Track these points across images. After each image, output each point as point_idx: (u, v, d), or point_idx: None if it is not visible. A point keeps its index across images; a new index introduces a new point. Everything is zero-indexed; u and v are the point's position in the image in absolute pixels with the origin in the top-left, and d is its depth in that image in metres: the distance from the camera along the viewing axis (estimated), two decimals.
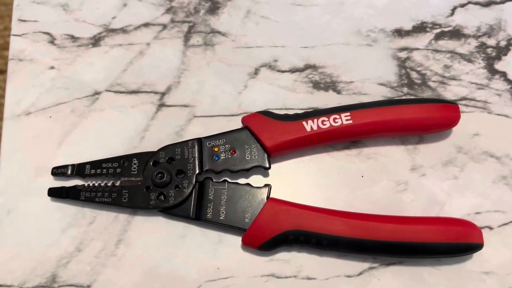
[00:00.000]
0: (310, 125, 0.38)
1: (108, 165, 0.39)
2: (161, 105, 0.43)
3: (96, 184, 0.39)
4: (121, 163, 0.39)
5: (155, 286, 0.38)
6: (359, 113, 0.39)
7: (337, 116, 0.39)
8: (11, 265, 0.38)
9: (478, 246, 0.36)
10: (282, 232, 0.36)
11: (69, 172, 0.39)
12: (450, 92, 0.44)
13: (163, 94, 0.43)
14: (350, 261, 0.38)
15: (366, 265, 0.38)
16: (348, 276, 0.38)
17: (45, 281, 0.38)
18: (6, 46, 1.10)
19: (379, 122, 0.39)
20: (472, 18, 0.47)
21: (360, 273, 0.38)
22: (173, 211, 0.38)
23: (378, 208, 0.39)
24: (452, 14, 0.47)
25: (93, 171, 0.39)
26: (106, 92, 0.43)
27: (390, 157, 0.41)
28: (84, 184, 0.39)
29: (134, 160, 0.39)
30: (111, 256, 0.38)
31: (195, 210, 0.38)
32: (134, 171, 0.39)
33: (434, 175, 0.41)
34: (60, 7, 0.46)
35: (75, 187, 0.39)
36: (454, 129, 0.42)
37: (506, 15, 0.47)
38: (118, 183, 0.39)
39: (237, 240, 0.38)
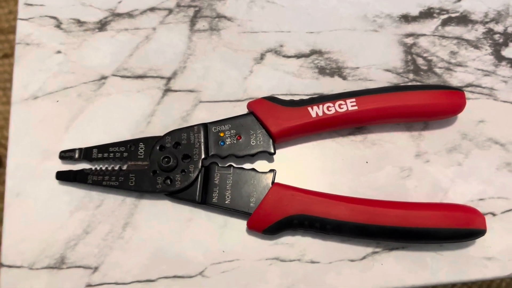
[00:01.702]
0: (315, 111, 0.38)
1: (115, 149, 0.39)
2: (167, 90, 0.43)
3: (103, 168, 0.39)
4: (128, 147, 0.39)
5: (161, 268, 0.38)
6: (364, 99, 0.39)
7: (343, 102, 0.39)
8: (21, 247, 0.38)
9: (480, 232, 0.37)
10: (286, 216, 0.37)
11: (76, 156, 0.39)
12: (456, 79, 0.44)
13: (169, 79, 0.43)
14: (354, 245, 0.39)
15: (369, 249, 0.39)
16: (352, 260, 0.38)
17: (54, 262, 0.38)
18: (11, 30, 1.10)
19: (384, 108, 0.39)
20: (479, 4, 0.46)
21: (363, 258, 0.38)
22: (179, 195, 0.38)
23: (382, 194, 0.40)
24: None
25: (100, 155, 0.39)
26: (112, 76, 0.43)
27: (395, 143, 0.41)
28: (91, 168, 0.39)
29: (141, 144, 0.39)
30: (118, 238, 0.39)
31: (201, 194, 0.38)
32: (141, 155, 0.39)
33: (438, 162, 0.41)
34: None
35: (82, 170, 0.39)
36: (459, 115, 0.42)
37: None
38: (125, 167, 0.39)
39: (242, 224, 0.39)
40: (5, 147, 1.04)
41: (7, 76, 1.07)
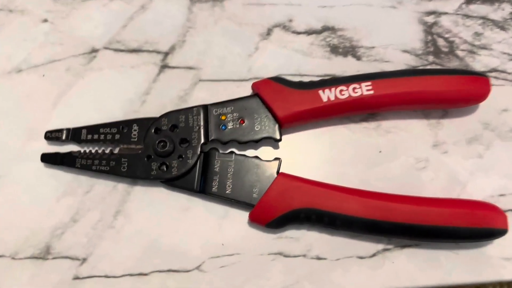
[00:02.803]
0: (327, 95, 0.35)
1: (106, 130, 0.36)
2: (164, 66, 0.40)
3: (93, 151, 0.37)
4: (120, 129, 0.36)
5: (155, 262, 0.36)
6: (381, 83, 0.36)
7: (357, 86, 0.36)
8: (3, 235, 0.36)
9: (501, 232, 0.34)
10: (292, 209, 0.34)
11: (63, 136, 0.37)
12: (479, 63, 0.40)
13: (166, 54, 0.40)
14: (363, 241, 0.36)
15: (380, 246, 0.36)
16: (361, 258, 0.36)
17: (38, 252, 0.36)
18: None
19: (402, 93, 0.36)
20: None
21: (373, 255, 0.36)
22: (175, 183, 0.36)
23: (395, 186, 0.37)
24: None
25: (89, 137, 0.36)
26: (104, 49, 0.40)
27: (411, 131, 0.39)
28: (80, 151, 0.37)
29: (134, 126, 0.36)
30: (109, 228, 0.36)
31: (199, 182, 0.35)
32: (134, 138, 0.36)
33: (457, 153, 0.38)
34: None
35: (70, 153, 0.36)
36: (481, 104, 0.39)
37: None
38: (116, 151, 0.36)
39: (243, 215, 0.36)
40: None
41: None
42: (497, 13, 0.42)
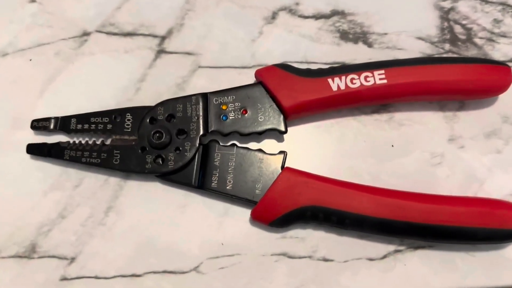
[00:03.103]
0: (336, 84, 0.34)
1: (97, 119, 0.35)
2: (161, 52, 0.38)
3: (83, 142, 0.35)
4: (113, 118, 0.35)
5: (149, 262, 0.34)
6: (395, 72, 0.34)
7: (369, 74, 0.34)
8: None
9: None
10: (298, 207, 0.32)
11: (51, 126, 0.35)
12: (498, 52, 0.38)
13: (163, 38, 0.38)
14: (373, 242, 0.35)
15: (391, 247, 0.34)
16: (370, 260, 0.34)
17: (23, 250, 0.34)
18: None
19: (418, 83, 0.34)
20: None
21: (384, 257, 0.34)
22: (172, 177, 0.34)
23: (408, 183, 0.35)
24: None
25: (79, 126, 0.35)
26: (96, 33, 0.38)
27: (426, 124, 0.37)
28: (69, 141, 0.35)
29: (128, 115, 0.35)
30: (100, 225, 0.35)
31: (198, 177, 0.34)
32: (128, 128, 0.34)
33: (474, 148, 0.36)
34: None
35: (58, 144, 0.35)
36: (500, 95, 0.37)
37: None
38: (108, 142, 0.35)
39: (245, 213, 0.34)
40: None
41: None
42: None
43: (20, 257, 0.34)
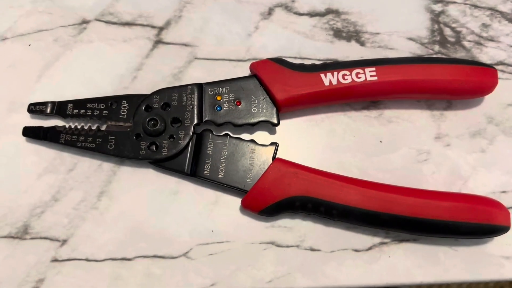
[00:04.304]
0: (329, 79, 0.34)
1: (93, 105, 0.34)
2: (158, 42, 0.38)
3: (79, 127, 0.35)
4: (109, 104, 0.34)
5: (139, 246, 0.34)
6: (385, 69, 0.34)
7: (361, 71, 0.34)
8: None
9: (503, 229, 0.33)
10: (287, 197, 0.33)
11: (48, 110, 0.35)
12: (486, 55, 0.39)
13: (161, 29, 0.38)
14: (360, 234, 0.35)
15: (376, 239, 0.35)
16: (356, 251, 0.34)
17: (15, 231, 0.34)
18: None
19: (407, 81, 0.35)
20: None
21: (370, 248, 0.35)
22: (165, 164, 0.34)
23: (395, 177, 0.36)
24: None
25: (75, 111, 0.34)
26: (95, 21, 0.38)
27: (414, 122, 0.37)
28: (65, 126, 0.35)
29: (124, 102, 0.34)
30: (92, 209, 0.34)
31: (190, 165, 0.34)
32: (123, 115, 0.34)
33: (459, 146, 0.37)
34: None
35: (54, 128, 0.35)
36: (486, 96, 0.38)
37: None
38: (104, 127, 0.35)
39: (235, 201, 0.35)
40: None
41: None
42: (506, 5, 0.40)
43: (12, 237, 0.33)
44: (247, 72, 0.36)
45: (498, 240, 0.35)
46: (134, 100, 0.34)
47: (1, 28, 0.38)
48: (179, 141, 0.33)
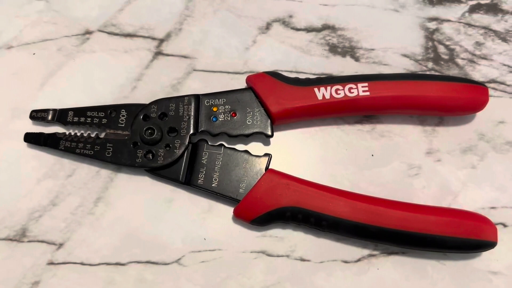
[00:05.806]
0: (322, 93, 0.35)
1: (93, 114, 0.35)
2: (158, 53, 0.39)
3: (78, 134, 0.35)
4: (108, 113, 0.35)
5: (133, 252, 0.35)
6: (378, 85, 0.35)
7: (353, 86, 0.35)
8: None
9: (491, 244, 0.33)
10: (279, 207, 0.33)
11: (49, 117, 0.36)
12: (478, 73, 0.40)
13: (161, 41, 0.39)
14: (349, 245, 0.35)
15: (366, 251, 0.35)
16: (345, 262, 0.35)
17: (14, 234, 0.35)
18: None
19: (399, 97, 0.35)
20: None
21: (358, 260, 0.35)
22: (161, 172, 0.35)
23: (385, 191, 0.36)
24: None
25: (76, 119, 0.35)
26: (98, 32, 0.39)
27: (405, 137, 0.38)
28: (65, 133, 0.36)
29: (123, 111, 0.35)
30: (89, 214, 0.35)
31: (185, 173, 0.34)
32: (122, 123, 0.35)
33: (450, 162, 0.37)
34: None
35: (55, 134, 0.35)
36: (478, 113, 0.38)
37: None
38: (102, 135, 0.35)
39: (228, 210, 0.35)
40: None
41: None
42: (499, 24, 0.41)
43: (10, 240, 0.34)
44: (243, 85, 0.37)
45: (486, 256, 0.35)
46: (133, 109, 0.35)
47: (7, 37, 0.39)
48: (175, 150, 0.34)
